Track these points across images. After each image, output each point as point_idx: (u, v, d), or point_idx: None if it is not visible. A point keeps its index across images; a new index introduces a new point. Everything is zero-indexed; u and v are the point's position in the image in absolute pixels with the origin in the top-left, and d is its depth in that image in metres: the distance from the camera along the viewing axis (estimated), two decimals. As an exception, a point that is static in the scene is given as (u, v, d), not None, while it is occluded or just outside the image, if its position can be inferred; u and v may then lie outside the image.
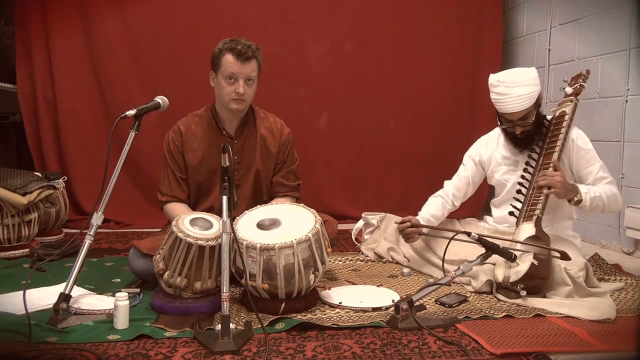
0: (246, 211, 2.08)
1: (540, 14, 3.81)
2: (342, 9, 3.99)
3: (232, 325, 1.63)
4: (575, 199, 2.17)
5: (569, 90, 2.40)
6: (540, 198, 2.21)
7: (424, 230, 2.44)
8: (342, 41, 4.02)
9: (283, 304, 1.88)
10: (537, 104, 2.31)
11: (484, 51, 4.14)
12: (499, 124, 2.39)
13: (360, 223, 2.98)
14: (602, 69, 3.21)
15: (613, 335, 1.73)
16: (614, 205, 2.25)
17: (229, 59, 2.19)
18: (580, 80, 2.41)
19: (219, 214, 1.82)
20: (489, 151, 2.53)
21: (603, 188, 2.22)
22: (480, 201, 3.84)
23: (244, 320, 1.83)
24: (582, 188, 2.18)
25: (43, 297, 1.99)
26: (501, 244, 2.08)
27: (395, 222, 2.54)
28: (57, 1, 3.75)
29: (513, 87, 2.22)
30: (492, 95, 2.30)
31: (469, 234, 2.08)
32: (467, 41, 4.13)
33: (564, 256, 2.01)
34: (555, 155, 2.24)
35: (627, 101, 3.06)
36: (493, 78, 2.30)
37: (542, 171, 2.22)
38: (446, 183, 2.64)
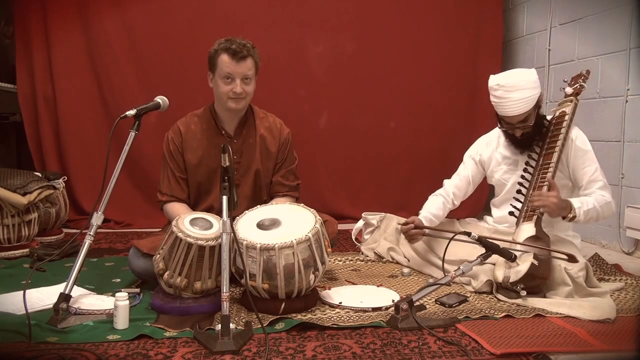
0: (246, 211, 2.08)
1: (540, 14, 3.81)
2: (343, 9, 3.99)
3: (232, 325, 1.63)
4: (570, 215, 2.16)
5: (569, 90, 2.39)
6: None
7: (427, 231, 2.42)
8: (342, 41, 4.01)
9: (283, 304, 1.87)
10: (537, 105, 2.30)
11: (484, 51, 4.13)
12: (499, 126, 2.39)
13: (360, 223, 2.98)
14: (602, 69, 3.21)
15: (613, 335, 1.73)
16: (607, 213, 2.25)
17: (224, 59, 2.20)
18: (581, 81, 2.40)
19: (219, 213, 1.83)
20: (489, 150, 2.53)
21: (595, 197, 2.21)
22: (480, 201, 3.85)
23: (244, 320, 1.83)
24: (575, 203, 2.17)
25: (43, 297, 1.98)
26: (502, 244, 2.07)
27: (398, 224, 2.51)
28: (57, 1, 3.75)
29: (512, 92, 2.21)
30: (492, 99, 2.29)
31: (469, 234, 2.08)
32: (467, 41, 4.12)
33: (572, 259, 2.01)
34: (554, 156, 2.24)
35: (627, 101, 3.06)
36: (493, 81, 2.28)
37: (537, 192, 2.20)
38: (446, 182, 2.63)
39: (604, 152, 3.02)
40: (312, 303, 1.98)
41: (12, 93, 3.75)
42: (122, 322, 1.74)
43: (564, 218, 2.20)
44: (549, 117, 2.40)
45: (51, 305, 1.77)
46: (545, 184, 2.21)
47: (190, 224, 1.95)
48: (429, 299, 2.04)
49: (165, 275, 1.91)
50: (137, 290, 2.13)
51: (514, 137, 2.35)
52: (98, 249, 2.99)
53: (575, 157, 2.30)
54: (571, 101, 2.36)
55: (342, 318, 1.86)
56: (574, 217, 2.16)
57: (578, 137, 2.32)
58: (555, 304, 1.96)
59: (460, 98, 4.16)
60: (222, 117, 2.34)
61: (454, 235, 2.12)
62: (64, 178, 3.27)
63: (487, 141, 2.57)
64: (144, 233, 3.41)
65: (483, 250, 2.05)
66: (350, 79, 4.02)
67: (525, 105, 2.23)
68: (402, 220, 2.86)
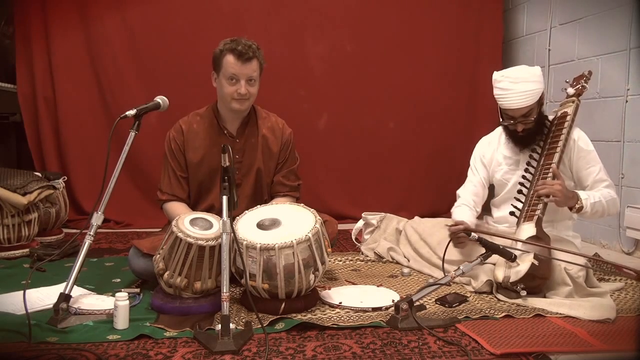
0: (246, 211, 2.08)
1: (540, 14, 3.81)
2: (342, 9, 3.99)
3: (232, 325, 1.63)
4: (577, 206, 2.15)
5: (570, 90, 2.39)
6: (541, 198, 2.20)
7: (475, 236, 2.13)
8: (342, 41, 4.01)
9: (283, 304, 1.88)
10: (540, 102, 2.30)
11: (484, 51, 4.14)
12: (500, 120, 2.38)
13: (360, 223, 2.98)
14: (602, 69, 3.21)
15: (613, 335, 1.74)
16: (612, 209, 2.24)
17: (229, 59, 2.19)
18: (582, 81, 2.40)
19: (219, 213, 1.83)
20: (491, 150, 2.52)
21: (602, 192, 2.21)
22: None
23: (244, 320, 1.83)
24: (582, 194, 2.17)
25: (43, 297, 1.98)
26: (516, 245, 2.05)
27: (446, 225, 2.36)
28: (57, 1, 3.75)
29: (517, 83, 2.22)
30: (496, 91, 2.29)
31: (468, 234, 2.08)
32: (467, 41, 4.13)
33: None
34: (556, 157, 2.24)
35: (627, 101, 3.06)
36: (497, 74, 2.30)
37: (542, 180, 2.20)
38: (460, 192, 2.56)
39: (604, 152, 3.00)
40: (312, 303, 1.98)
41: (12, 93, 3.75)
42: (122, 322, 1.74)
43: (571, 209, 2.19)
44: (550, 117, 2.40)
45: (51, 305, 1.77)
46: (549, 176, 2.20)
47: (190, 224, 1.95)
48: (429, 299, 2.04)
49: (165, 275, 1.91)
50: (137, 290, 2.13)
51: (515, 133, 2.34)
52: (98, 249, 2.99)
53: (578, 157, 2.30)
54: (573, 102, 2.35)
55: (342, 318, 1.86)
56: (581, 207, 2.15)
57: (580, 138, 2.31)
58: (555, 304, 1.96)
59: (460, 98, 4.16)
60: (225, 116, 2.34)
61: (454, 236, 2.12)
62: (64, 178, 3.27)
63: (488, 141, 2.56)
64: (144, 233, 3.41)
65: (483, 250, 2.05)
66: (350, 79, 4.02)
67: (529, 99, 2.22)
68: (403, 220, 2.87)
